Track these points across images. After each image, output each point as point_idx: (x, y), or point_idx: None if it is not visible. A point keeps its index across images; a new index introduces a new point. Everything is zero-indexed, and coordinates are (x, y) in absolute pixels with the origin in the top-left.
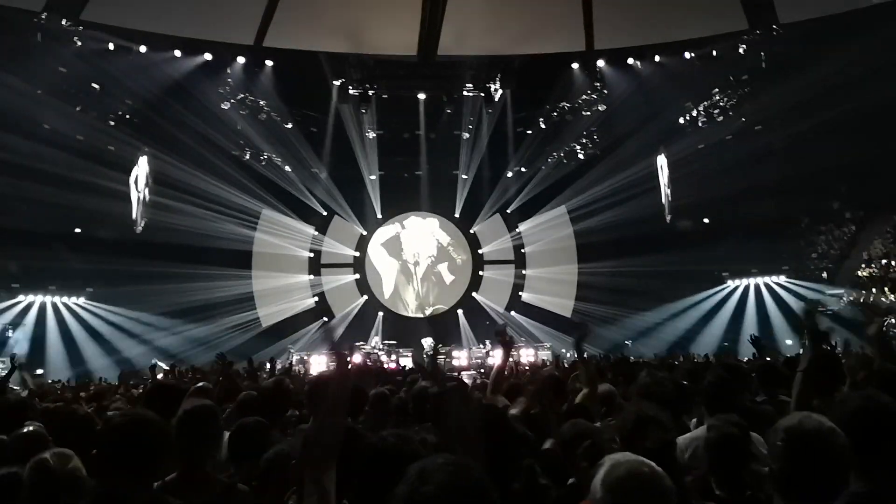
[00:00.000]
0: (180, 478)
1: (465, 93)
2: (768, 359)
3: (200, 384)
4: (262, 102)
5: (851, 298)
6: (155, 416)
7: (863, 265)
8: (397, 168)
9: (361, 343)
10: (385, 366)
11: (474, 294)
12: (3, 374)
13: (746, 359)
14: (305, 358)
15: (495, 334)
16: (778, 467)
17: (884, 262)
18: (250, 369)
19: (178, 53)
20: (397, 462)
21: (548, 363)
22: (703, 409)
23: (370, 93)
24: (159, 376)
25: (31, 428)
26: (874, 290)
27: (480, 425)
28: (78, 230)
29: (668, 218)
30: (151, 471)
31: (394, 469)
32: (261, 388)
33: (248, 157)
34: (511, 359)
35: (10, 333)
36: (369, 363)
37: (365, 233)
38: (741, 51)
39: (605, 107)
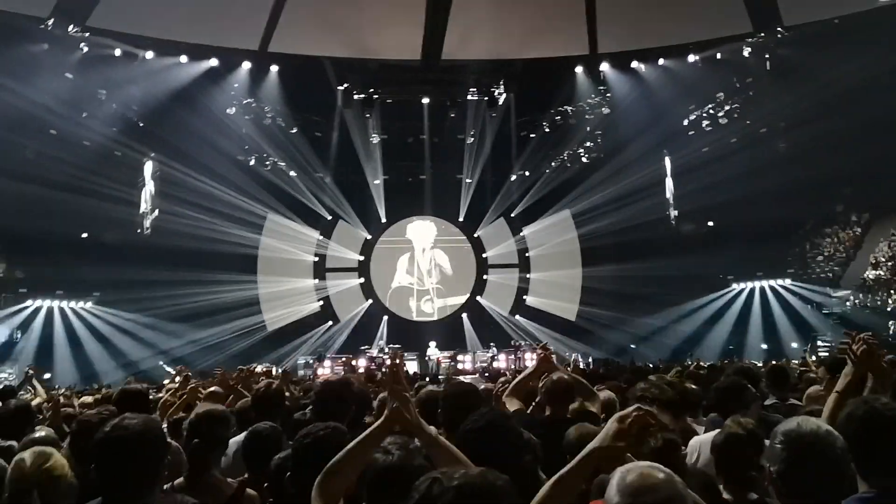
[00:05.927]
0: (188, 481)
1: (468, 97)
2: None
3: (213, 388)
4: (266, 107)
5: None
6: (139, 429)
7: (869, 268)
8: (401, 172)
9: (366, 347)
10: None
11: (479, 298)
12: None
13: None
14: (311, 362)
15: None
16: (777, 471)
17: (890, 264)
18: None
19: (183, 59)
20: (403, 478)
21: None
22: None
23: (374, 97)
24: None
25: (42, 433)
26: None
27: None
28: (85, 235)
29: (673, 221)
30: (151, 480)
31: (400, 485)
32: (254, 394)
33: (253, 161)
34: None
35: (17, 337)
36: (373, 367)
37: (369, 237)
38: (746, 53)
39: (608, 110)
